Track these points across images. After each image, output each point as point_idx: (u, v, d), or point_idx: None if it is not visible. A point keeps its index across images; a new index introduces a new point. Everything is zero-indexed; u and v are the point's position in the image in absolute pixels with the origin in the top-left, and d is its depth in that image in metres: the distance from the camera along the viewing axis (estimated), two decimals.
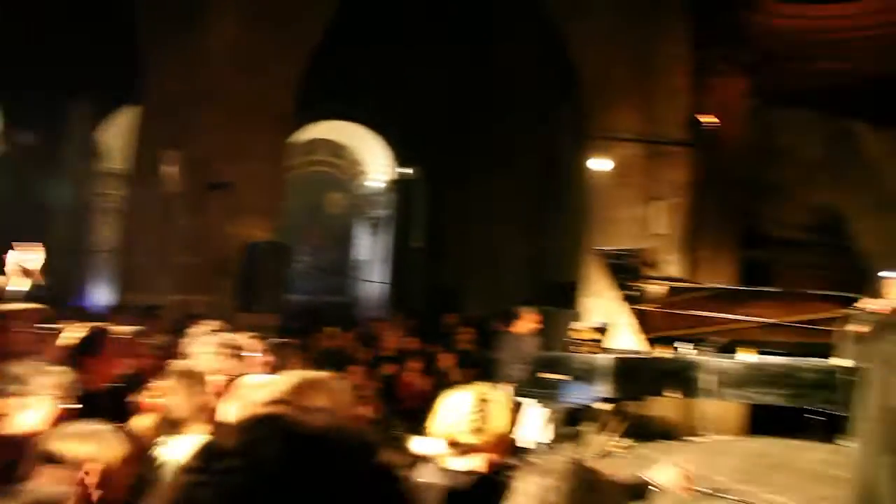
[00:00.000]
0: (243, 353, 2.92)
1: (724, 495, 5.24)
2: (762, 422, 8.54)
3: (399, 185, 14.50)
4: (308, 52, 8.40)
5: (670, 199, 8.04)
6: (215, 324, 3.65)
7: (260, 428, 0.82)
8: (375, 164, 15.46)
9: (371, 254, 15.61)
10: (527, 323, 6.94)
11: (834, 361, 4.87)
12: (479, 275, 11.90)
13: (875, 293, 3.87)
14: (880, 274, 3.88)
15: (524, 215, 11.72)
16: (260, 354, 3.15)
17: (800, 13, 8.43)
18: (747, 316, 5.88)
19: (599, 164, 7.94)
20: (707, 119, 7.46)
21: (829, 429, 7.01)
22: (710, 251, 8.30)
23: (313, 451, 0.77)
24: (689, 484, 1.86)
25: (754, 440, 8.12)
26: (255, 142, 8.07)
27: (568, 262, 9.71)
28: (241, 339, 3.10)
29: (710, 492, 5.31)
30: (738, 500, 5.16)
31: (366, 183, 15.95)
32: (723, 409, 8.24)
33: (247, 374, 2.57)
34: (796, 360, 5.31)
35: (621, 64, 8.57)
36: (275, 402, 1.66)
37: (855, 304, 3.86)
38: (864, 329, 3.76)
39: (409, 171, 14.05)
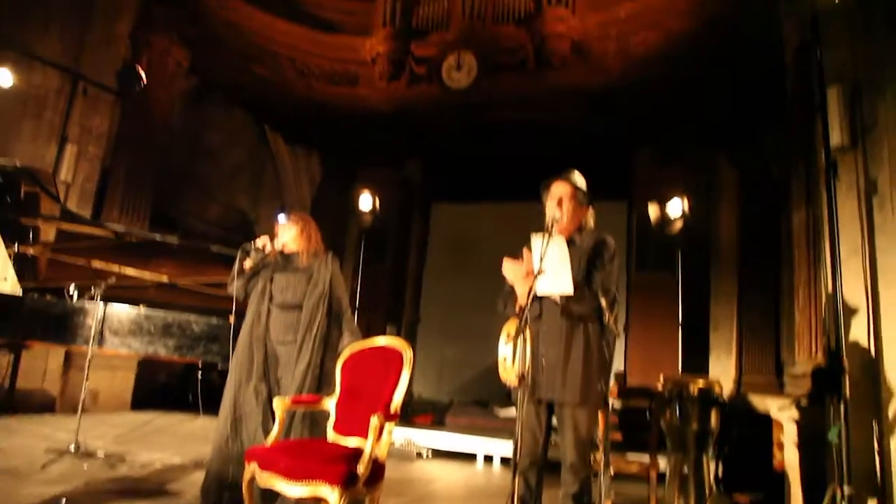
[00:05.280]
0: None
1: (99, 456, 4.89)
2: (148, 397, 8.47)
3: None
4: None
5: (85, 146, 7.28)
6: None
7: None
8: None
9: None
10: None
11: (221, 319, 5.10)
12: None
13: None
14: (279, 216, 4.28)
15: None
16: None
17: (248, 15, 8.79)
18: (147, 272, 5.69)
19: (6, 81, 6.51)
20: (140, 74, 7.08)
21: (211, 403, 7.32)
22: (116, 217, 7.78)
23: None
24: None
25: (140, 413, 7.97)
26: None
27: None
28: None
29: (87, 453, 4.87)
30: (110, 456, 4.89)
31: None
32: (109, 383, 7.83)
33: None
34: (187, 314, 5.25)
35: None
36: None
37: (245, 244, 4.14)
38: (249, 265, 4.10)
39: None
